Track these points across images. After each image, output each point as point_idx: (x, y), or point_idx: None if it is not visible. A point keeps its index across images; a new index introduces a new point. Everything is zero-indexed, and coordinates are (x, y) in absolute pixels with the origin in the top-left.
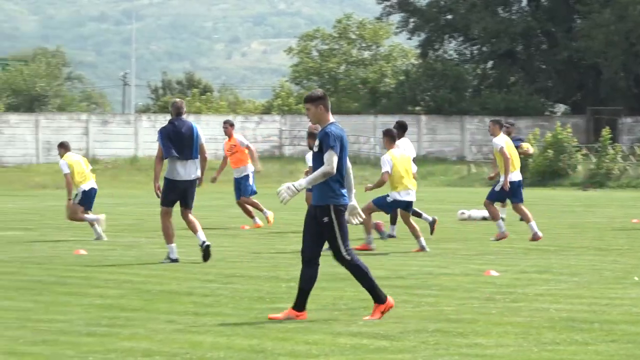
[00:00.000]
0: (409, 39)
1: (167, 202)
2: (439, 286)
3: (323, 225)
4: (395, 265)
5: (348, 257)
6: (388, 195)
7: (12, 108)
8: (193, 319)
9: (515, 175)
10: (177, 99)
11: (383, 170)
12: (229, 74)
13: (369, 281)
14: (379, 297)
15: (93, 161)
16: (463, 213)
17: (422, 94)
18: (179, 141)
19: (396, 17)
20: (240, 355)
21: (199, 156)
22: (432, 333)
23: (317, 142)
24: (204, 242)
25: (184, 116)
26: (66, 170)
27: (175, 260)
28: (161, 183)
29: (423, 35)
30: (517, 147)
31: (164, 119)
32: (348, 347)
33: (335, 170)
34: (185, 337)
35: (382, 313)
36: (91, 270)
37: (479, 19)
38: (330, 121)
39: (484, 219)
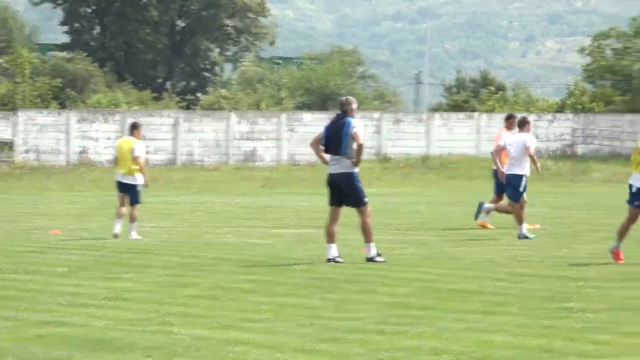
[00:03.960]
0: None
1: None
2: None
3: None
4: None
5: None
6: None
7: (304, 106)
8: (482, 317)
9: None
10: (345, 97)
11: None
12: (523, 72)
13: None
14: None
15: (385, 159)
16: None
17: None
18: (329, 134)
19: None
20: (529, 354)
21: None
22: None
23: None
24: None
25: (353, 114)
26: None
27: (331, 260)
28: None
29: None
30: None
31: (456, 118)
32: (637, 348)
33: None
34: (473, 336)
35: None
36: (382, 269)
37: None
38: None
39: None
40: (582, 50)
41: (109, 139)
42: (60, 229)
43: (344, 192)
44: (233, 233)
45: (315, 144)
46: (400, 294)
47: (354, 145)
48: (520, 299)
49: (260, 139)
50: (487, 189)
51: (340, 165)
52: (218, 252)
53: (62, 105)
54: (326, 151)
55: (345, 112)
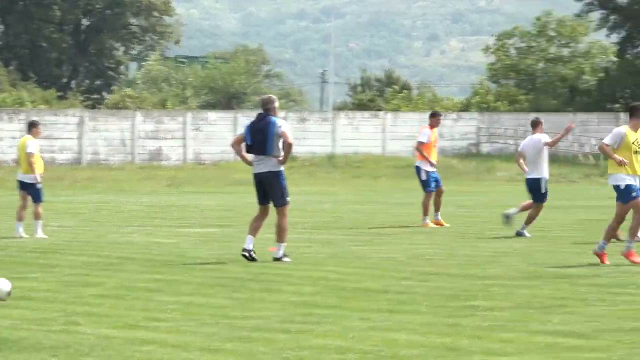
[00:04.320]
0: (608, 35)
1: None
2: (635, 285)
3: None
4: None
5: None
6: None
7: (209, 105)
8: (387, 316)
9: None
10: (267, 95)
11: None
12: (427, 71)
13: None
14: None
15: (290, 158)
16: None
17: (621, 91)
18: (252, 134)
19: (596, 14)
20: (435, 352)
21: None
22: (627, 332)
23: None
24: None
25: (275, 112)
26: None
27: (246, 251)
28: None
29: (623, 33)
30: None
31: (361, 117)
32: (542, 346)
33: None
34: (379, 335)
35: None
36: (288, 268)
37: None
38: None
39: None
40: (486, 50)
41: (13, 138)
42: None
43: (268, 190)
44: (138, 232)
45: (236, 144)
46: (306, 292)
47: (280, 144)
48: (426, 298)
49: (166, 138)
50: (392, 187)
51: (265, 165)
52: (123, 252)
53: None
54: (249, 151)
55: (267, 111)
